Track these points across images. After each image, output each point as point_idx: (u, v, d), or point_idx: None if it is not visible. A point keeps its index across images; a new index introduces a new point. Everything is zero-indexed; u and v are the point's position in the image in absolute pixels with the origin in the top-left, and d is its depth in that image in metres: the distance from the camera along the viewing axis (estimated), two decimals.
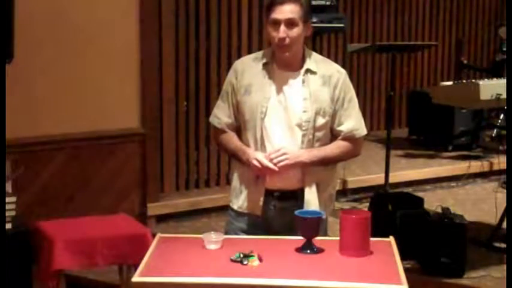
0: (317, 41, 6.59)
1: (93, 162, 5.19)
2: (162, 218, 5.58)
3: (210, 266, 2.64)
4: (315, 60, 3.13)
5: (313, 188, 3.11)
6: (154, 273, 2.58)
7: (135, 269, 2.68)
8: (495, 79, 5.36)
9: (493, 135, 7.62)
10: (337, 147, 3.14)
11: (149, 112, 5.45)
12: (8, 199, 3.99)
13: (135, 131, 5.38)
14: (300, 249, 2.79)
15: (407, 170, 6.74)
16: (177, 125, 5.90)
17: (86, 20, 5.12)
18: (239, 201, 3.18)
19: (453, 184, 6.83)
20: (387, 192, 5.43)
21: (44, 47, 4.98)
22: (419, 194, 5.64)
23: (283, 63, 3.09)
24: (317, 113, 3.06)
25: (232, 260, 2.66)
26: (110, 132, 5.26)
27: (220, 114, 3.21)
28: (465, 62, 8.52)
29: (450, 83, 5.56)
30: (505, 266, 4.18)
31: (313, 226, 2.79)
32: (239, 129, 3.20)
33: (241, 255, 2.66)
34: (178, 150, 5.94)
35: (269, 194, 3.11)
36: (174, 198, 5.76)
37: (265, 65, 3.12)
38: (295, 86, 3.09)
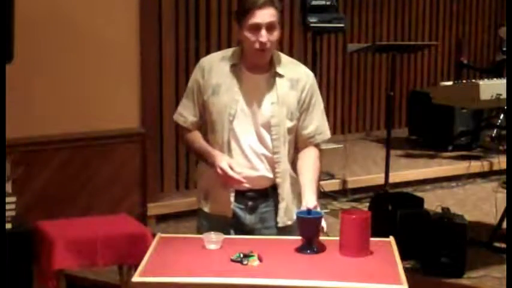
0: (317, 41, 6.58)
1: (93, 162, 5.19)
2: (162, 218, 5.58)
3: (210, 266, 2.64)
4: (283, 63, 3.09)
5: (287, 185, 3.09)
6: (154, 273, 2.58)
7: (135, 269, 2.68)
8: (495, 79, 5.36)
9: (493, 135, 7.62)
10: (314, 163, 3.09)
11: (149, 112, 5.45)
12: (8, 199, 3.99)
13: (135, 131, 5.39)
14: (300, 249, 2.79)
15: (407, 170, 6.74)
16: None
17: (85, 20, 5.12)
18: (208, 203, 3.13)
19: (453, 184, 6.84)
20: (387, 192, 5.43)
21: (44, 47, 4.98)
22: (419, 194, 5.64)
23: (252, 66, 3.04)
24: (285, 117, 3.03)
25: (232, 260, 2.66)
26: (110, 132, 5.26)
27: (186, 113, 3.15)
28: (465, 62, 8.52)
29: (450, 83, 5.56)
30: (505, 266, 4.18)
31: (313, 226, 2.79)
32: (202, 128, 3.15)
33: (241, 255, 2.66)
34: (178, 150, 5.94)
35: (239, 194, 3.07)
36: (174, 198, 5.76)
37: (233, 66, 3.06)
38: (263, 89, 3.04)
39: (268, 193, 3.09)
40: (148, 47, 5.41)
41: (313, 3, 6.34)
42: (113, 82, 5.29)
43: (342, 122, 7.99)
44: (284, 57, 3.13)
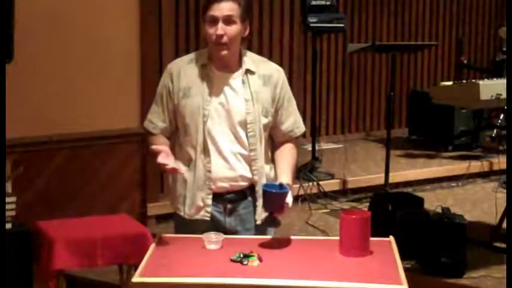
0: (317, 41, 6.58)
1: (93, 162, 5.20)
2: (162, 218, 5.58)
3: (210, 266, 2.64)
4: (253, 60, 3.09)
5: (264, 181, 3.07)
6: (155, 273, 2.58)
7: (135, 269, 2.68)
8: (495, 79, 5.36)
9: (493, 135, 7.62)
10: (289, 151, 3.13)
11: None
12: (8, 199, 3.99)
13: (135, 131, 5.38)
14: (263, 222, 2.90)
15: (407, 170, 6.75)
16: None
17: (85, 20, 5.12)
18: (186, 208, 3.07)
19: (453, 184, 6.84)
20: (387, 192, 5.43)
21: (44, 47, 4.98)
22: (419, 194, 5.64)
23: (221, 64, 3.02)
24: (260, 113, 3.03)
25: (232, 260, 2.66)
26: (110, 132, 5.26)
27: (155, 119, 3.11)
28: (465, 62, 8.52)
29: (450, 83, 5.57)
30: (505, 266, 4.18)
31: (277, 201, 2.82)
32: (173, 134, 3.12)
33: (241, 255, 2.66)
34: None
35: (218, 196, 3.04)
36: None
37: (203, 67, 3.04)
38: (235, 87, 3.03)
39: (246, 194, 3.08)
40: (148, 47, 5.41)
41: (313, 3, 6.35)
42: (113, 82, 5.29)
43: (342, 122, 7.99)
44: (253, 55, 3.14)
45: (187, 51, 6.04)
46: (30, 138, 4.95)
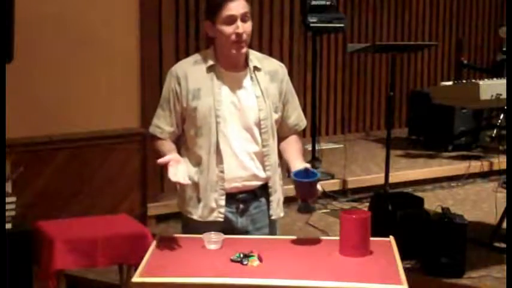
0: (317, 41, 6.58)
1: (93, 162, 5.20)
2: (162, 218, 5.58)
3: (210, 266, 2.64)
4: (256, 57, 3.10)
5: (277, 177, 3.11)
6: (154, 273, 2.58)
7: (135, 269, 2.68)
8: (495, 79, 5.36)
9: (493, 135, 7.62)
10: (296, 142, 3.17)
11: (149, 112, 5.40)
12: (8, 199, 3.99)
13: (135, 131, 5.39)
14: (298, 210, 2.92)
15: (407, 170, 6.75)
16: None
17: (86, 20, 5.13)
18: (198, 211, 3.06)
19: (453, 184, 6.84)
20: (387, 192, 5.43)
21: (44, 47, 4.98)
22: (419, 194, 5.64)
23: (229, 64, 3.02)
24: (271, 109, 3.04)
25: (232, 260, 2.66)
26: (110, 132, 5.27)
27: (162, 124, 3.09)
28: (465, 62, 8.52)
29: (450, 83, 5.57)
30: (505, 266, 4.19)
31: (309, 188, 2.85)
32: (180, 137, 3.11)
33: (241, 255, 2.66)
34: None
35: (230, 197, 3.04)
36: (174, 198, 5.74)
37: (210, 68, 3.02)
38: (245, 85, 3.03)
39: (257, 193, 3.08)
40: (148, 47, 5.41)
41: (313, 3, 6.35)
42: (113, 82, 5.30)
43: (342, 122, 7.99)
44: (255, 53, 3.14)
45: (187, 51, 6.04)
46: (30, 138, 4.95)
